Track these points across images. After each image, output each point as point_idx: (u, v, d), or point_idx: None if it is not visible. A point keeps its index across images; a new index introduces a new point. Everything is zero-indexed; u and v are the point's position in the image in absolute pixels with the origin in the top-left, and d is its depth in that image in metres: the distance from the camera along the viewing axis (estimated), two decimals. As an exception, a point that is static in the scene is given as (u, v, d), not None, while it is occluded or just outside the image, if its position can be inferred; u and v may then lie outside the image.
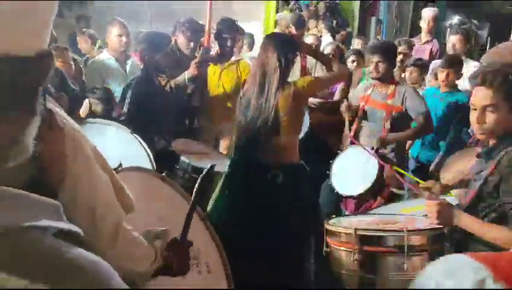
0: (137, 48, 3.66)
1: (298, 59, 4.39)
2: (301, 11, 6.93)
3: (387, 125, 3.65)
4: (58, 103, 1.25)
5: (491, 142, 2.03)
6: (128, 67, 4.07)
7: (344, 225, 2.32)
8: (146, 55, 3.49)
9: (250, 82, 3.08)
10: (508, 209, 1.86)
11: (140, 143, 3.06)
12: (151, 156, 3.03)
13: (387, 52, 3.68)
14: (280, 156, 3.00)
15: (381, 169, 3.37)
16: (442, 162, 4.29)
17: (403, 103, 3.63)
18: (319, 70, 4.52)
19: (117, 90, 3.66)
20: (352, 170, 3.51)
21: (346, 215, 2.52)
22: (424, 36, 5.79)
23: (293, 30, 4.69)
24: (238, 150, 3.13)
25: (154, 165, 2.99)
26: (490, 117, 1.91)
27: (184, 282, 1.95)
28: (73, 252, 0.93)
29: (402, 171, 3.33)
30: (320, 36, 6.25)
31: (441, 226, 2.04)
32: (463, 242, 2.01)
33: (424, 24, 5.80)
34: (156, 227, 1.55)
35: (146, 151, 3.04)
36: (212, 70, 4.17)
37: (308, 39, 5.39)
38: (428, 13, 5.85)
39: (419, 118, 3.61)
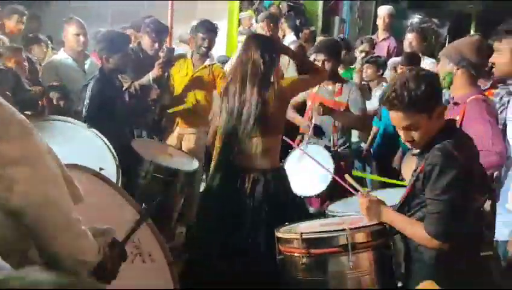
0: (95, 47, 3.62)
1: None
2: (267, 9, 6.98)
3: (336, 123, 3.75)
4: None
5: None
6: (87, 67, 4.03)
7: (293, 230, 2.35)
8: (104, 54, 3.44)
9: (231, 83, 3.06)
10: (426, 206, 1.95)
11: (101, 138, 3.03)
12: (112, 150, 3.00)
13: (332, 50, 3.77)
14: (263, 159, 3.02)
15: (336, 168, 3.43)
16: (402, 156, 4.43)
17: (348, 99, 3.74)
18: (291, 70, 4.57)
19: (74, 88, 3.62)
20: (308, 170, 3.47)
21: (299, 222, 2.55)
22: (381, 34, 5.91)
23: (265, 27, 4.67)
24: (223, 152, 3.11)
25: (116, 156, 2.97)
26: (414, 134, 1.98)
27: (131, 271, 1.98)
28: None
29: (360, 174, 3.42)
30: (284, 36, 6.33)
31: (378, 223, 2.11)
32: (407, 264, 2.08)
33: (380, 21, 5.93)
34: (94, 225, 1.56)
35: (106, 144, 3.01)
36: (185, 70, 4.17)
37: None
38: (383, 11, 5.98)
39: (358, 111, 3.74)
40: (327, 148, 3.68)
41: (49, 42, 4.70)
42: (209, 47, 4.15)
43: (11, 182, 1.22)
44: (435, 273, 1.93)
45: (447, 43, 7.54)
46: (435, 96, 1.97)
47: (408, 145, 2.08)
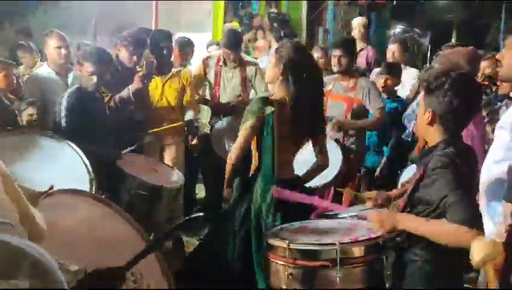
0: (82, 61, 3.56)
1: (237, 71, 4.46)
2: (250, 20, 7.03)
3: (349, 116, 3.93)
4: None
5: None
6: (70, 80, 3.99)
7: (281, 236, 2.27)
8: (81, 69, 3.44)
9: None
10: (442, 207, 1.90)
11: (76, 152, 2.97)
12: (87, 162, 2.93)
13: (349, 47, 4.01)
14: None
15: (344, 160, 3.57)
16: (386, 166, 4.46)
17: (363, 96, 3.90)
18: (259, 81, 4.58)
19: (56, 102, 3.58)
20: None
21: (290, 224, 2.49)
22: (358, 44, 5.97)
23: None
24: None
25: (91, 171, 2.90)
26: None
27: None
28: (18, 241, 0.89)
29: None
30: (270, 47, 6.37)
31: (375, 237, 2.06)
32: (400, 252, 2.05)
33: (355, 32, 6.01)
34: (93, 250, 1.52)
35: (81, 157, 2.95)
36: (154, 83, 4.16)
37: (260, 43, 5.49)
38: (357, 22, 6.12)
39: (375, 112, 3.93)
40: (337, 141, 3.79)
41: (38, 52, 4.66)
42: (170, 54, 4.21)
43: None
44: (430, 278, 1.94)
45: (428, 52, 7.67)
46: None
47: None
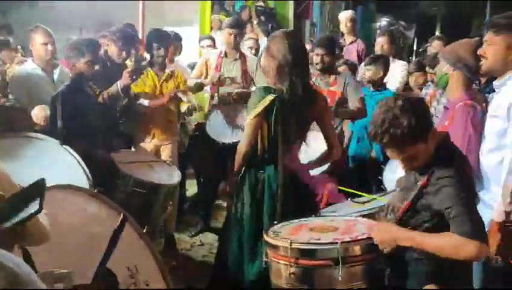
0: (65, 54, 3.51)
1: (238, 64, 4.48)
2: (238, 14, 6.97)
3: (333, 109, 3.97)
4: None
5: None
6: (56, 76, 3.91)
7: (282, 235, 2.27)
8: (71, 61, 3.37)
9: None
10: (447, 216, 1.87)
11: (71, 154, 2.94)
12: (84, 167, 2.90)
13: (331, 45, 4.16)
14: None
15: None
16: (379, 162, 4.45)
17: (343, 89, 4.07)
18: (260, 75, 4.59)
19: (44, 99, 3.50)
20: (306, 153, 3.51)
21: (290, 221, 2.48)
22: (347, 38, 6.00)
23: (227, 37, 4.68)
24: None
25: (89, 175, 2.87)
26: (414, 162, 1.94)
27: None
28: None
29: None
30: (257, 40, 6.33)
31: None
32: (402, 251, 2.01)
33: (342, 26, 6.02)
34: (88, 246, 1.48)
35: (78, 161, 2.92)
36: (152, 82, 4.13)
37: (248, 42, 5.46)
38: (343, 15, 6.13)
39: (355, 102, 4.08)
40: None
41: (19, 47, 4.56)
42: (165, 56, 4.17)
43: None
44: (434, 277, 1.92)
45: (414, 45, 7.74)
46: (427, 122, 1.92)
47: (404, 169, 2.03)
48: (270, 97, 2.70)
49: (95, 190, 2.48)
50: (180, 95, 4.16)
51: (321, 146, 3.07)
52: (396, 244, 1.95)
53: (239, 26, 4.66)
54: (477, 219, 1.86)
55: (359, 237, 2.10)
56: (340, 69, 4.76)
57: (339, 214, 2.67)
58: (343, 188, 2.99)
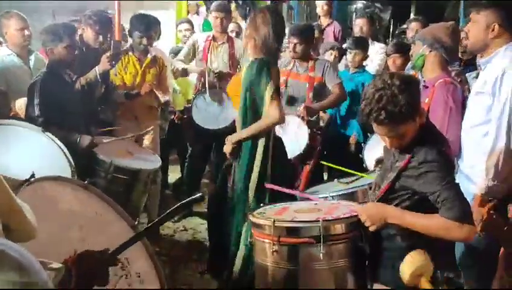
0: (42, 40, 3.41)
1: (226, 47, 4.46)
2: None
3: (311, 95, 4.09)
4: None
5: None
6: (32, 63, 3.81)
7: (266, 216, 2.31)
8: (48, 46, 3.28)
9: None
10: (433, 200, 1.91)
11: (53, 141, 2.89)
12: (67, 153, 2.87)
13: (304, 34, 4.09)
14: None
15: (310, 134, 3.82)
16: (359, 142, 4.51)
17: (323, 74, 4.10)
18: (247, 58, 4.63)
19: (21, 87, 3.42)
20: (284, 137, 3.59)
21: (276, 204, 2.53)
22: (323, 20, 6.00)
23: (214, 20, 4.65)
24: None
25: (72, 161, 2.85)
26: (401, 141, 1.97)
27: None
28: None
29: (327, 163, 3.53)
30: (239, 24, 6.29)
31: (356, 214, 2.10)
32: (378, 241, 2.06)
33: (319, 9, 6.02)
34: (77, 236, 1.48)
35: (60, 148, 2.88)
36: (133, 68, 4.08)
37: (230, 26, 5.41)
38: None
39: (335, 88, 4.09)
40: (302, 118, 3.95)
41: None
42: (149, 44, 4.13)
43: None
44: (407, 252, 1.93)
45: (391, 27, 7.77)
46: (419, 100, 1.96)
47: (390, 147, 2.05)
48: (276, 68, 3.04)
49: (86, 182, 2.44)
50: (159, 95, 4.15)
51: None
52: (385, 222, 1.99)
53: (226, 11, 4.66)
54: (465, 201, 1.91)
55: (340, 216, 2.15)
56: (328, 54, 4.75)
57: (322, 193, 2.72)
58: (328, 164, 3.05)
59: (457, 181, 2.00)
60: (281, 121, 2.99)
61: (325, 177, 4.29)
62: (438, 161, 1.90)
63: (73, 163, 2.82)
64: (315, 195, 2.69)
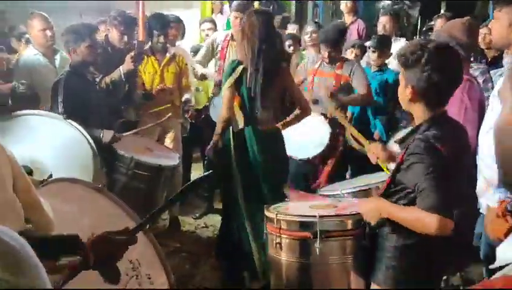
0: (63, 41, 3.50)
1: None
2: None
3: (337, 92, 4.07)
4: None
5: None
6: (57, 62, 3.92)
7: (279, 210, 2.37)
8: (70, 46, 3.36)
9: None
10: (416, 193, 1.86)
11: (76, 128, 2.96)
12: (89, 139, 2.94)
13: (335, 41, 4.11)
14: None
15: (332, 134, 3.85)
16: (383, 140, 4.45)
17: (350, 74, 4.09)
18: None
19: (47, 86, 3.52)
20: (306, 136, 3.79)
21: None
22: (347, 18, 5.93)
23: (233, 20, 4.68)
24: None
25: (95, 148, 2.92)
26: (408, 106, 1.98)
27: None
28: None
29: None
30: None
31: (356, 213, 2.09)
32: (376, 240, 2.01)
33: (343, 6, 5.95)
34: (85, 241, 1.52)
35: (82, 134, 2.95)
36: (152, 67, 4.15)
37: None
38: None
39: (361, 89, 4.08)
40: (324, 116, 3.98)
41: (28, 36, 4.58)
42: (166, 42, 4.18)
43: None
44: (397, 263, 1.91)
45: (418, 24, 7.63)
46: (447, 93, 1.96)
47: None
48: (240, 68, 3.14)
49: (100, 185, 2.50)
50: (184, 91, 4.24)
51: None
52: (380, 216, 1.96)
53: (246, 10, 4.63)
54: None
55: (342, 213, 2.15)
56: (349, 51, 4.72)
57: (334, 191, 2.74)
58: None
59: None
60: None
61: (347, 177, 4.25)
62: (424, 154, 1.83)
63: (96, 149, 2.90)
64: (330, 192, 2.71)
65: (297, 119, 3.40)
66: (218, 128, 3.25)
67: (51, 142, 2.79)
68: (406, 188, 1.92)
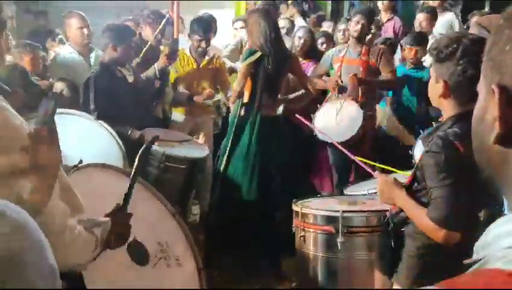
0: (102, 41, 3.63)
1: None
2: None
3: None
4: (12, 99, 1.28)
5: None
6: (92, 60, 4.04)
7: (308, 205, 2.42)
8: (110, 44, 3.48)
9: None
10: (430, 194, 1.82)
11: (107, 129, 3.06)
12: (118, 139, 3.04)
13: (368, 14, 4.19)
14: None
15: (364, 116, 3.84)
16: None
17: (377, 59, 4.09)
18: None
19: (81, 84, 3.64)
20: (337, 120, 3.84)
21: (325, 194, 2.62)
22: (384, 15, 5.84)
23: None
24: None
25: (123, 148, 3.02)
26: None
27: (152, 275, 1.98)
28: None
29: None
30: (292, 21, 6.27)
31: (380, 210, 2.06)
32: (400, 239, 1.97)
33: (379, 3, 5.85)
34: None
35: (113, 135, 3.05)
36: (191, 67, 4.23)
37: (281, 23, 5.43)
38: None
39: (387, 74, 4.10)
40: (360, 106, 3.91)
41: (61, 37, 4.75)
42: (207, 47, 4.24)
43: (20, 191, 1.22)
44: (416, 263, 1.88)
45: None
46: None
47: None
48: (258, 54, 3.57)
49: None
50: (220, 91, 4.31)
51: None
52: (392, 201, 1.93)
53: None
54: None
55: (367, 209, 2.13)
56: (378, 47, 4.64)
57: (360, 189, 2.71)
58: (364, 160, 2.98)
59: None
60: (236, 94, 3.67)
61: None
62: (441, 152, 1.76)
63: (124, 149, 2.98)
64: (356, 193, 2.68)
65: (302, 98, 3.91)
66: (232, 100, 3.79)
67: (82, 142, 2.89)
68: (424, 187, 1.87)
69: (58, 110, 3.01)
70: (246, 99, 3.67)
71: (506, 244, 0.59)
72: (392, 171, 2.93)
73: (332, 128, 3.74)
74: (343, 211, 2.12)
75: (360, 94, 3.94)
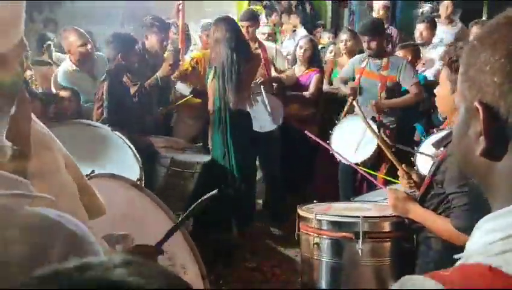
0: (106, 48, 3.66)
1: (258, 52, 4.60)
2: (273, 6, 6.98)
3: (383, 94, 4.02)
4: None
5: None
6: (95, 70, 4.06)
7: (314, 211, 2.35)
8: (119, 52, 3.54)
9: None
10: (450, 202, 1.83)
11: (124, 141, 3.11)
12: (133, 148, 3.09)
13: (375, 30, 4.05)
14: None
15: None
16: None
17: (397, 73, 4.00)
18: (280, 59, 4.83)
19: (84, 98, 3.70)
20: (352, 140, 3.74)
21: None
22: None
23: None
24: None
25: (139, 159, 3.07)
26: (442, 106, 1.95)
27: None
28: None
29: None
30: (294, 30, 6.33)
31: (397, 215, 2.05)
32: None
33: (375, 14, 5.89)
34: (128, 231, 1.58)
35: (127, 145, 3.10)
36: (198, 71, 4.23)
37: (264, 29, 5.47)
38: (377, 5, 5.95)
39: (411, 88, 3.99)
40: (373, 119, 3.88)
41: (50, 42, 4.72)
42: None
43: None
44: (433, 269, 1.88)
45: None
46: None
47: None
48: (212, 72, 3.85)
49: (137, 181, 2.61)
50: None
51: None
52: (404, 212, 1.94)
53: (252, 19, 4.69)
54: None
55: (386, 215, 2.12)
56: (399, 53, 4.57)
57: (369, 199, 2.70)
58: (366, 169, 3.00)
59: None
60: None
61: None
62: None
63: (140, 160, 3.04)
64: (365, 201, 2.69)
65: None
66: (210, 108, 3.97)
67: (100, 153, 2.95)
68: (441, 194, 1.89)
69: (80, 120, 3.12)
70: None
71: (489, 239, 0.64)
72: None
73: (349, 147, 3.72)
74: (364, 217, 2.08)
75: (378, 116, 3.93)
